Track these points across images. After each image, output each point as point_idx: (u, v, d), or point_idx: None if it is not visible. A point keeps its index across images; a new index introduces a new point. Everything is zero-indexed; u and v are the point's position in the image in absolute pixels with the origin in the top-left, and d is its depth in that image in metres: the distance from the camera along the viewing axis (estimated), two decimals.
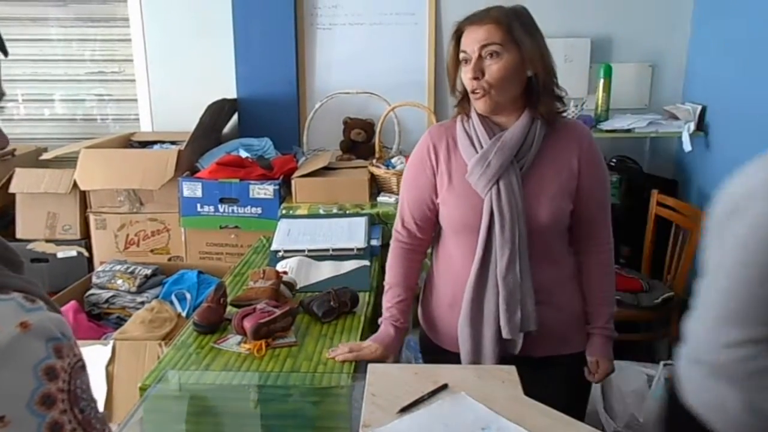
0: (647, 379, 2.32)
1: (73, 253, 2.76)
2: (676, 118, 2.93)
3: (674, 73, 3.14)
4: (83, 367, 0.60)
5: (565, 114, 1.44)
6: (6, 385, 0.52)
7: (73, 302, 2.15)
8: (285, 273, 1.94)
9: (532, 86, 1.37)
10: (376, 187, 2.69)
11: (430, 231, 1.54)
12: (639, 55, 3.13)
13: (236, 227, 2.62)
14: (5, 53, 0.66)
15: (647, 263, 2.80)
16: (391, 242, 1.58)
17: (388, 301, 1.55)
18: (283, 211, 2.50)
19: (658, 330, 2.76)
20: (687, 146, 2.80)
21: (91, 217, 2.75)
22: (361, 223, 2.34)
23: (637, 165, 3.10)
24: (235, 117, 3.19)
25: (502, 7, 1.35)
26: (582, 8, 3.08)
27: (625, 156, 3.10)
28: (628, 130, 2.85)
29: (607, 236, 1.49)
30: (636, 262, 2.84)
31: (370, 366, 1.35)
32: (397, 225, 1.56)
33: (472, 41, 1.33)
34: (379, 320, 1.58)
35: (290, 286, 1.90)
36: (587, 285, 1.49)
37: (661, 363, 2.33)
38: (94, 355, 1.87)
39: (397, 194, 2.58)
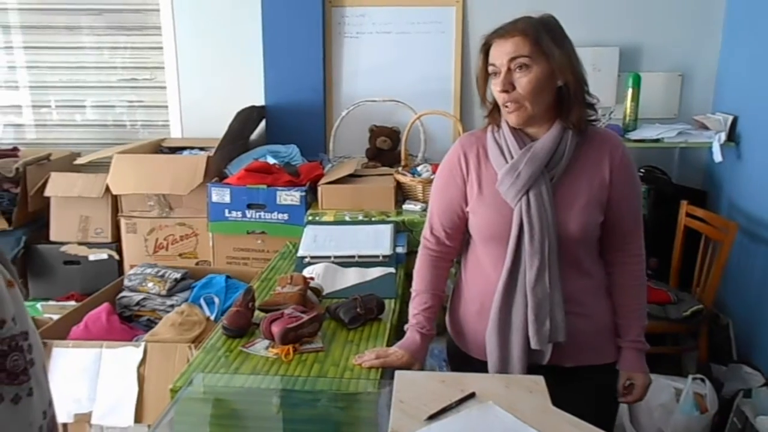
0: (675, 392, 2.29)
1: (104, 256, 2.82)
2: (706, 128, 2.90)
3: (704, 83, 3.11)
4: None
5: (596, 122, 1.44)
6: None
7: (106, 304, 2.19)
8: (312, 279, 1.96)
9: (563, 96, 1.37)
10: (402, 194, 2.70)
11: (458, 239, 1.54)
12: (668, 64, 3.10)
13: (263, 233, 2.65)
14: None
15: (675, 275, 2.77)
16: (419, 249, 1.59)
17: (414, 307, 1.56)
18: (310, 218, 2.53)
19: (687, 343, 2.72)
20: (717, 157, 2.77)
21: (122, 221, 2.81)
22: (387, 230, 2.35)
23: (666, 175, 3.07)
24: (263, 124, 3.23)
25: (529, 18, 1.35)
26: (611, 17, 3.06)
27: (654, 166, 3.07)
28: (657, 140, 2.83)
29: (639, 248, 1.48)
30: (664, 273, 2.81)
31: (397, 373, 1.36)
32: (425, 232, 1.57)
33: (500, 54, 1.34)
34: (405, 327, 1.58)
35: (317, 292, 1.92)
36: (618, 297, 1.48)
37: (690, 377, 2.30)
38: (126, 356, 1.90)
39: (423, 202, 2.59)
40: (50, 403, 0.84)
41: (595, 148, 1.41)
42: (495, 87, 1.36)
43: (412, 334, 1.54)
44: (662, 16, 3.07)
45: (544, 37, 1.32)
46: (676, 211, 2.78)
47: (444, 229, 1.52)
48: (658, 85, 3.09)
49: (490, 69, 1.37)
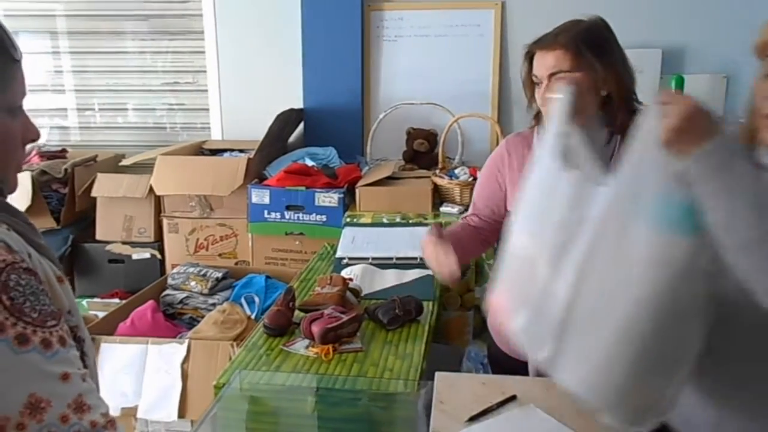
0: None
1: (147, 255, 2.89)
2: None
3: (751, 85, 3.03)
4: (27, 270, 0.71)
5: None
6: None
7: (151, 302, 2.26)
8: (351, 280, 1.99)
9: (608, 104, 1.36)
10: (439, 197, 2.70)
11: (492, 233, 1.57)
12: (713, 66, 3.03)
13: (301, 234, 2.68)
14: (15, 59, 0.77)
15: None
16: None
17: None
18: (347, 219, 2.55)
19: None
20: (765, 160, 2.70)
21: (165, 221, 2.88)
22: (424, 232, 2.34)
23: None
24: (301, 126, 3.27)
25: (574, 26, 1.33)
26: (653, 18, 3.01)
27: None
28: None
29: None
30: None
31: (437, 374, 1.37)
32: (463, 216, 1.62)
33: (541, 67, 1.33)
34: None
35: (356, 292, 1.94)
36: None
37: None
38: (170, 353, 1.95)
39: (460, 204, 2.60)
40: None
41: None
42: (537, 98, 1.37)
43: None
44: (706, 17, 3.00)
45: (585, 50, 1.30)
46: None
47: (480, 221, 1.56)
48: (703, 88, 3.02)
49: (534, 79, 1.37)
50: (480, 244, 1.60)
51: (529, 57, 1.38)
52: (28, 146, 0.86)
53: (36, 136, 0.83)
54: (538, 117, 1.45)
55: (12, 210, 0.81)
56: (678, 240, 0.86)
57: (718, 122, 0.89)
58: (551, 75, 1.31)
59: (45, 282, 0.75)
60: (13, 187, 0.83)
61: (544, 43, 1.34)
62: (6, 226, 0.75)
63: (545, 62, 1.32)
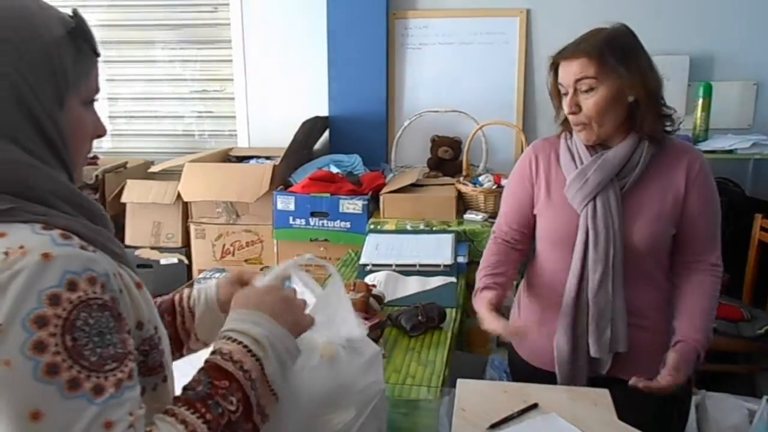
0: (748, 413, 2.19)
1: (174, 260, 2.94)
2: None
3: None
4: (103, 306, 0.68)
5: (674, 132, 1.41)
6: (12, 300, 0.63)
7: None
8: (374, 286, 1.99)
9: (635, 109, 1.35)
10: (463, 204, 2.70)
11: (525, 243, 1.55)
12: (742, 73, 2.99)
13: (326, 240, 2.70)
14: (97, 54, 0.80)
15: (749, 291, 2.65)
16: (489, 241, 1.60)
17: (481, 280, 1.51)
18: (371, 226, 2.56)
19: (761, 362, 2.60)
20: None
21: (192, 227, 2.93)
22: (448, 240, 2.35)
23: (739, 188, 2.95)
24: (326, 134, 3.30)
25: (594, 35, 1.34)
26: (680, 25, 2.98)
27: (726, 178, 2.96)
28: (730, 151, 2.73)
29: (715, 261, 1.43)
30: (737, 289, 2.70)
31: (459, 381, 1.37)
32: (494, 228, 1.60)
33: (566, 75, 1.34)
34: (474, 294, 1.52)
35: (379, 299, 1.94)
36: (680, 300, 1.41)
37: (764, 398, 2.19)
38: (198, 356, 1.97)
39: (484, 212, 2.59)
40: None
41: (672, 159, 1.38)
42: (564, 107, 1.38)
43: (483, 293, 1.48)
44: (735, 23, 2.96)
45: (609, 56, 1.30)
46: (749, 224, 2.67)
47: (512, 231, 1.54)
48: (732, 95, 2.98)
49: (560, 88, 1.38)
50: (519, 263, 1.59)
51: (554, 68, 1.39)
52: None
53: (103, 131, 0.84)
54: (565, 123, 1.45)
55: (96, 215, 0.77)
56: None
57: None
58: (577, 80, 1.32)
59: (125, 294, 0.74)
60: (79, 179, 0.83)
61: (567, 53, 1.35)
62: (92, 248, 0.72)
63: (570, 70, 1.33)
